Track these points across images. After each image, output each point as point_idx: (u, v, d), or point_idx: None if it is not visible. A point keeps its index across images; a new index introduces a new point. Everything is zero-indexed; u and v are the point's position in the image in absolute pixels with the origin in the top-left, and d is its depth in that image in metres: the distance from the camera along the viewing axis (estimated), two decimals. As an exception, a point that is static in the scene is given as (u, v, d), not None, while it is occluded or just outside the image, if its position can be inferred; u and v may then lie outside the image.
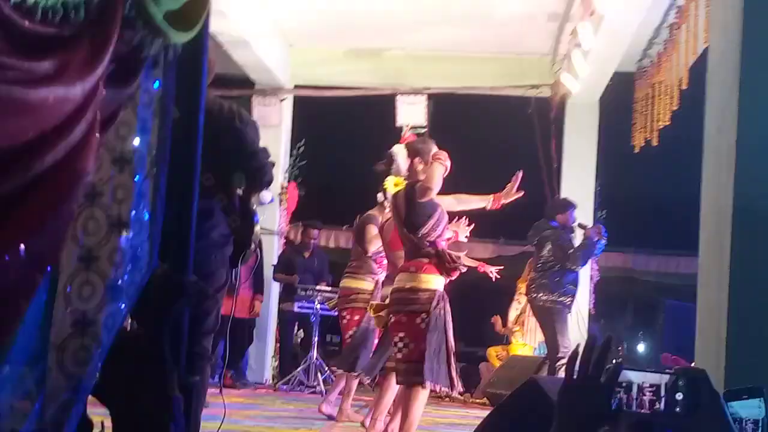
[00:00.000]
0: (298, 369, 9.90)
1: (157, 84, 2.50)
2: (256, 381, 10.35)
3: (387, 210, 7.00)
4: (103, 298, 2.41)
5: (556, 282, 8.60)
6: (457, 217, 6.17)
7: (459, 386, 5.61)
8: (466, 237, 6.29)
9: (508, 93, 10.62)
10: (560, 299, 8.62)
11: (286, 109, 11.06)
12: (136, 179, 2.45)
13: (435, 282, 5.44)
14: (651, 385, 1.51)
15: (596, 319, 10.53)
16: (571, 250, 8.64)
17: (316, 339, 9.91)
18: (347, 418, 7.08)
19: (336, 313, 9.84)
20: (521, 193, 6.04)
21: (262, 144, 5.03)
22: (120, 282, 2.38)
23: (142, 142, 2.48)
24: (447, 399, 10.45)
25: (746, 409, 1.77)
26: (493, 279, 6.84)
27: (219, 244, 4.68)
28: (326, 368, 9.85)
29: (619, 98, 10.12)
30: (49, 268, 2.28)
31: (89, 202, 2.41)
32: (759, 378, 1.87)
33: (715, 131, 4.43)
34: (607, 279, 11.18)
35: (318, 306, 9.90)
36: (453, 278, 5.54)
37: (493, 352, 10.77)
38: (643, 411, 1.52)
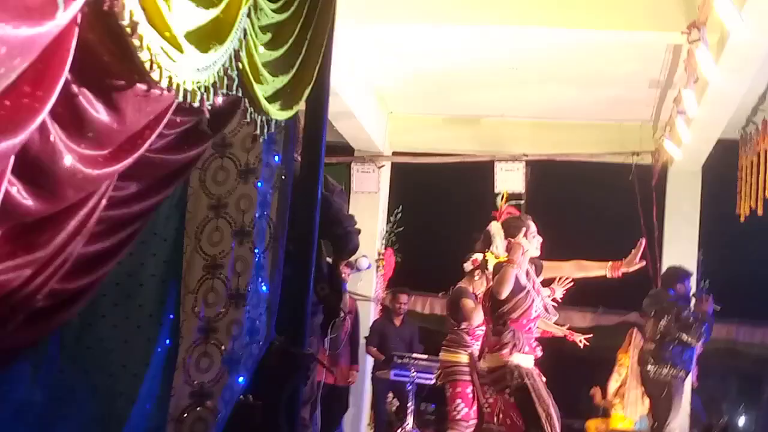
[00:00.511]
0: (394, 437, 9.80)
1: (277, 158, 2.55)
2: (351, 448, 10.29)
3: (477, 279, 7.01)
4: (221, 369, 2.44)
5: (675, 355, 8.39)
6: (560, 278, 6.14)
7: None
8: (561, 297, 6.23)
9: (609, 160, 10.51)
10: (678, 374, 8.41)
11: (384, 175, 11.13)
12: (255, 252, 2.50)
13: (512, 357, 5.48)
14: None
15: (699, 392, 10.19)
16: (694, 324, 8.43)
17: (411, 407, 9.81)
18: None
19: (432, 383, 9.83)
20: (644, 263, 6.00)
21: (360, 210, 5.07)
22: (238, 354, 2.40)
23: (262, 215, 2.52)
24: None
25: None
26: (581, 347, 6.77)
27: (310, 312, 4.70)
28: (421, 437, 9.74)
29: (723, 166, 9.92)
30: (169, 342, 2.33)
31: (209, 274, 2.46)
32: None
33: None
34: (709, 351, 10.83)
35: (414, 374, 9.82)
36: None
37: (592, 425, 10.51)
38: None
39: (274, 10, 2.41)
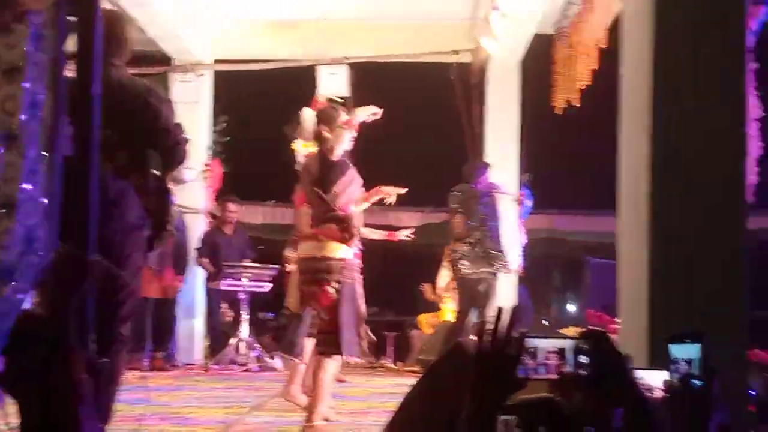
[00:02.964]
0: (229, 347, 9.79)
1: (45, 56, 2.38)
2: (187, 362, 10.20)
3: None
4: (-5, 281, 2.30)
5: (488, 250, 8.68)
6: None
7: (367, 352, 5.69)
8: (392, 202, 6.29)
9: (430, 60, 10.55)
10: (493, 269, 8.73)
11: (206, 85, 10.86)
12: (26, 157, 2.34)
13: (345, 250, 5.50)
14: (556, 350, 1.52)
15: (525, 281, 10.57)
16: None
17: (245, 316, 9.81)
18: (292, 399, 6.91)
19: (263, 290, 9.83)
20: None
21: (181, 121, 4.92)
22: (11, 264, 2.27)
23: (32, 117, 2.36)
24: (380, 369, 10.48)
25: (683, 351, 1.84)
26: (402, 239, 6.92)
27: (135, 226, 4.54)
28: (257, 345, 9.76)
29: (540, 61, 10.11)
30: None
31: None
32: (678, 326, 1.89)
33: (630, 89, 4.43)
34: (533, 241, 11.23)
35: (246, 283, 9.79)
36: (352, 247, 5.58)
37: (424, 320, 10.80)
38: (549, 375, 1.53)
39: None
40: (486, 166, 9.03)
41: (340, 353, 5.42)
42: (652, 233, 4.02)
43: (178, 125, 4.78)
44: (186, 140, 4.72)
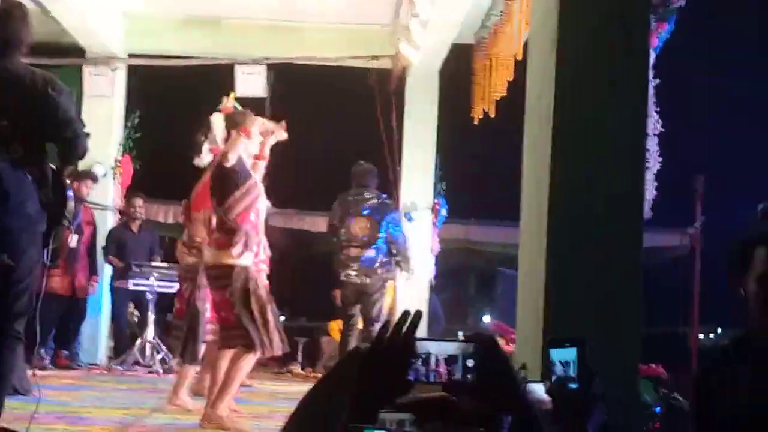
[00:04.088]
0: (133, 348, 9.61)
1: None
2: (90, 362, 9.99)
3: None
4: None
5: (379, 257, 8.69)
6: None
7: (279, 350, 5.70)
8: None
9: (349, 64, 10.52)
10: (385, 275, 8.75)
11: (120, 79, 10.65)
12: None
13: (240, 257, 5.55)
14: (449, 355, 1.50)
15: (437, 290, 10.61)
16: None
17: (152, 317, 9.65)
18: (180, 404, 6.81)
19: (171, 290, 9.67)
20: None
21: (93, 115, 4.81)
22: None
23: None
24: (288, 373, 10.41)
25: (562, 355, 1.87)
26: None
27: (31, 220, 4.43)
28: (163, 347, 9.59)
29: (459, 70, 10.17)
30: None
31: None
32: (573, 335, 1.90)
33: (535, 99, 4.46)
34: (447, 251, 11.29)
35: (154, 283, 9.63)
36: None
37: (335, 326, 10.73)
38: (440, 381, 1.51)
39: None
40: (374, 169, 9.05)
41: (244, 345, 5.51)
42: (550, 244, 4.05)
43: (79, 118, 4.69)
44: (86, 134, 4.62)
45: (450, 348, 1.50)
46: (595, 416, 1.88)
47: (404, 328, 1.47)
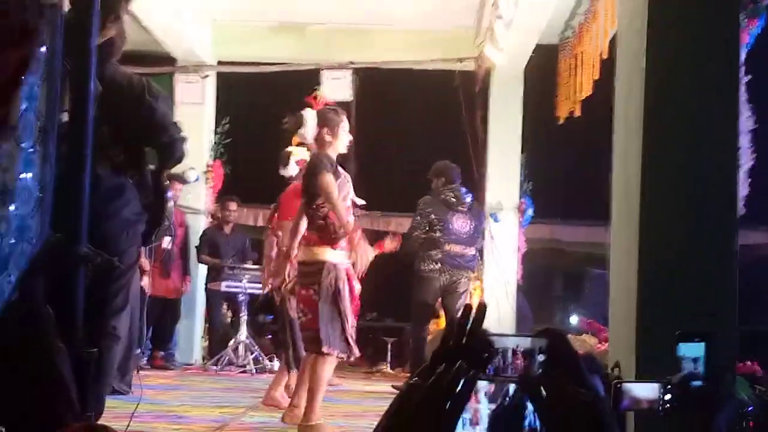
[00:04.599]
0: (227, 349, 9.82)
1: (43, 48, 2.42)
2: (185, 362, 10.25)
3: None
4: (-11, 269, 2.34)
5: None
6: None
7: (356, 352, 5.69)
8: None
9: (434, 67, 10.59)
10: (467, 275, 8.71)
11: (210, 86, 10.91)
12: (22, 146, 2.38)
13: (326, 254, 5.58)
14: (525, 350, 1.50)
15: (525, 290, 10.59)
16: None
17: (244, 318, 9.85)
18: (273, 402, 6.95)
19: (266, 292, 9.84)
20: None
21: (185, 122, 4.95)
22: (5, 252, 2.31)
23: (28, 108, 2.40)
24: (378, 374, 10.51)
25: (690, 350, 1.82)
26: (391, 249, 6.97)
27: (131, 222, 4.57)
28: (255, 347, 9.79)
29: (544, 70, 10.15)
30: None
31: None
32: (667, 337, 1.89)
33: (624, 98, 4.46)
34: (534, 251, 11.26)
35: (246, 284, 9.83)
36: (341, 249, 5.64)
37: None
38: (516, 375, 1.50)
39: None
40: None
41: (320, 349, 5.49)
42: (642, 243, 4.04)
43: (175, 122, 4.80)
44: (183, 138, 4.73)
45: (525, 342, 1.50)
46: (726, 413, 1.82)
47: (470, 324, 1.42)
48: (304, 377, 5.83)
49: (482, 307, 1.44)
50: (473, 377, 1.37)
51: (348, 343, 5.52)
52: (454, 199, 8.58)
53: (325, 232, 5.59)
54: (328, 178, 5.56)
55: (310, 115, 6.13)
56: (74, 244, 2.60)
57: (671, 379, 1.82)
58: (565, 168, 12.75)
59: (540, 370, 1.45)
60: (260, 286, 9.64)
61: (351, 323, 5.58)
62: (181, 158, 4.78)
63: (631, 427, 3.82)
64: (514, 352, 1.48)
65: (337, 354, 5.52)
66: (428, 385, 1.35)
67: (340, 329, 5.49)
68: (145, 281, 7.98)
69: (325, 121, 5.79)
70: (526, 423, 1.51)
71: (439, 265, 8.47)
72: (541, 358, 1.45)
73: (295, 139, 6.80)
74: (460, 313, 1.45)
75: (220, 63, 10.95)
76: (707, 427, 1.80)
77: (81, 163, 2.56)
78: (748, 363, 5.14)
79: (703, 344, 1.80)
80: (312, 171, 5.65)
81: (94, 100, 2.79)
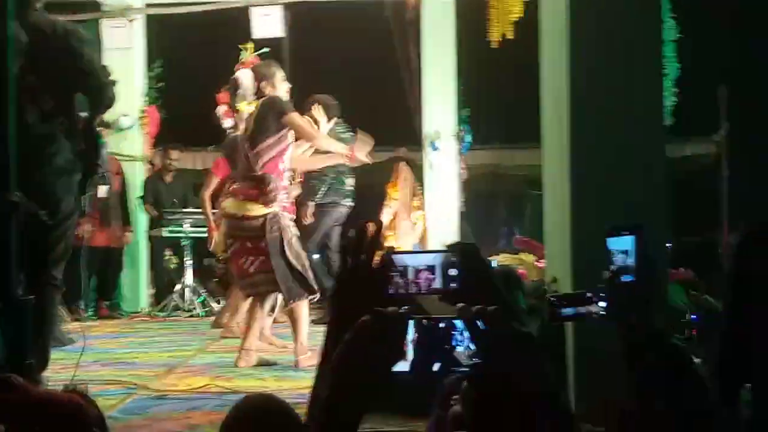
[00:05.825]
0: (173, 294, 9.79)
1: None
2: (132, 310, 10.19)
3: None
4: None
5: None
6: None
7: (316, 291, 5.74)
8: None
9: (362, -2, 10.46)
10: None
11: (139, 30, 10.67)
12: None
13: (265, 208, 5.62)
14: (427, 266, 1.47)
15: (467, 216, 10.65)
16: None
17: (189, 263, 9.80)
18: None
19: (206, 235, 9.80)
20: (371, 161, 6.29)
21: (112, 66, 4.86)
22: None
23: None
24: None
25: (618, 244, 1.77)
26: (370, 162, 6.90)
27: (64, 170, 4.52)
28: (202, 291, 9.77)
29: (475, -6, 10.05)
30: None
31: None
32: (601, 250, 1.86)
33: (549, 14, 4.46)
34: (475, 177, 11.31)
35: (188, 229, 9.76)
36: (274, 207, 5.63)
37: (370, 259, 10.84)
38: (419, 292, 1.48)
39: None
40: None
41: (277, 289, 5.62)
42: (572, 158, 4.08)
43: (104, 66, 4.74)
44: (112, 82, 4.68)
45: (426, 259, 1.47)
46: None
47: (367, 243, 1.41)
48: (253, 319, 5.86)
49: (377, 225, 1.44)
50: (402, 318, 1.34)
51: (309, 285, 5.62)
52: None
53: (259, 190, 5.60)
54: (297, 115, 5.66)
55: (244, 75, 6.17)
56: (2, 191, 2.56)
57: (603, 275, 1.78)
58: (502, 92, 12.76)
59: (452, 285, 1.44)
60: (203, 230, 9.61)
61: (304, 264, 5.66)
62: (111, 103, 4.73)
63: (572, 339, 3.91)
64: (417, 269, 1.46)
65: (306, 297, 5.65)
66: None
67: (299, 277, 5.59)
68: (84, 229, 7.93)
69: (262, 76, 5.82)
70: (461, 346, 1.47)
71: None
72: (452, 272, 1.44)
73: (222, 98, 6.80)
74: (354, 232, 1.44)
75: (148, 5, 10.68)
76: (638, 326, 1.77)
77: (3, 110, 2.49)
78: (682, 269, 5.21)
79: (632, 237, 1.75)
80: (278, 111, 5.62)
81: (21, 50, 2.73)
